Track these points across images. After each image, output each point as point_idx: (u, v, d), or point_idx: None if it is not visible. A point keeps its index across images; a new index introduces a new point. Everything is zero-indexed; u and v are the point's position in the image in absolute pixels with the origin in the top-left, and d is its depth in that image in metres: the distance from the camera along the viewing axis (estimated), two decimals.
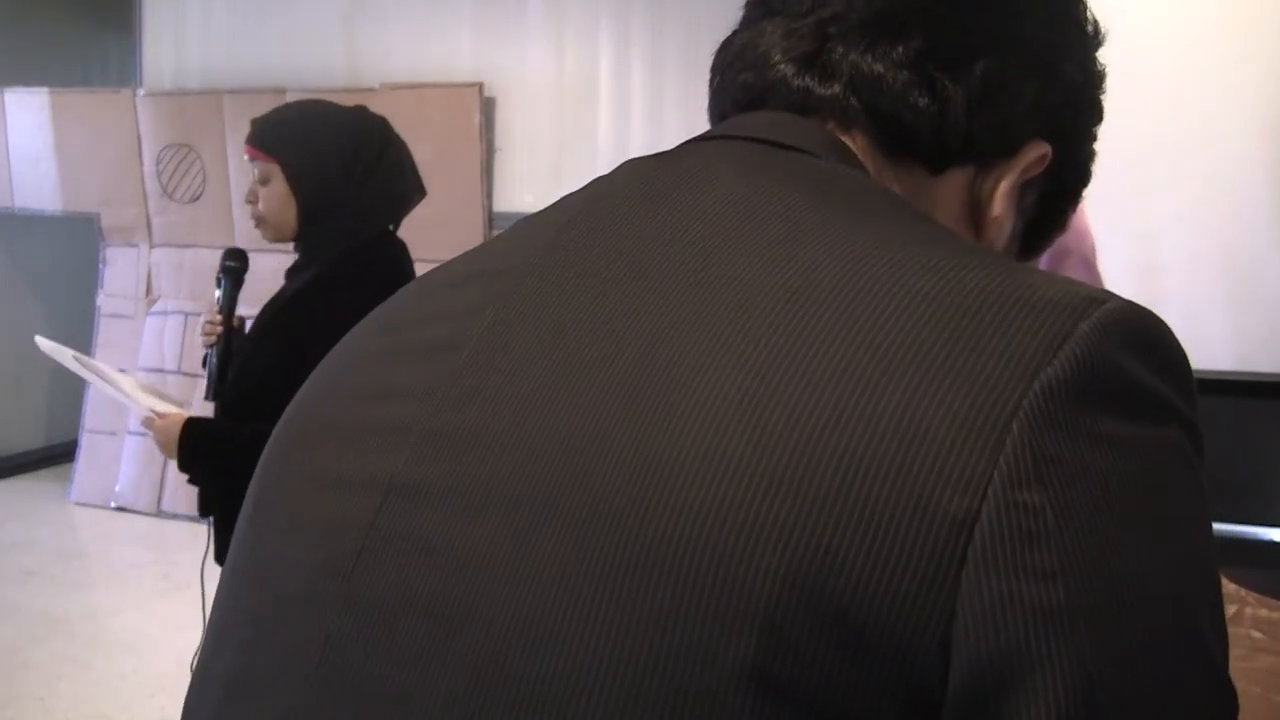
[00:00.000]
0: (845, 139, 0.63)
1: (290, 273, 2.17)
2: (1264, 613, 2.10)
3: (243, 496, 0.63)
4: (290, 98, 3.23)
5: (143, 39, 5.66)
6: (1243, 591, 2.18)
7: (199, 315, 5.23)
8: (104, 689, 3.56)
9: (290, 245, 2.15)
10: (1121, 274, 2.78)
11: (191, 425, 2.04)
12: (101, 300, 5.62)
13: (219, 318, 2.20)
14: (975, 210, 0.67)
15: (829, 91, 0.63)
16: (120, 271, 5.61)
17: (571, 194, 0.63)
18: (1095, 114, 0.77)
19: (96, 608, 4.25)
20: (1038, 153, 0.68)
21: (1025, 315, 0.46)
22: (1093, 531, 0.43)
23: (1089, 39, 0.75)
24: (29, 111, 5.69)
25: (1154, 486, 0.46)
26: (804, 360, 0.46)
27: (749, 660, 0.42)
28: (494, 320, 0.55)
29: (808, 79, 0.64)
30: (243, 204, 4.17)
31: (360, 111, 2.19)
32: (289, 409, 0.65)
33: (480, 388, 0.52)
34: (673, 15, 4.19)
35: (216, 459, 2.04)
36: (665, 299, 0.50)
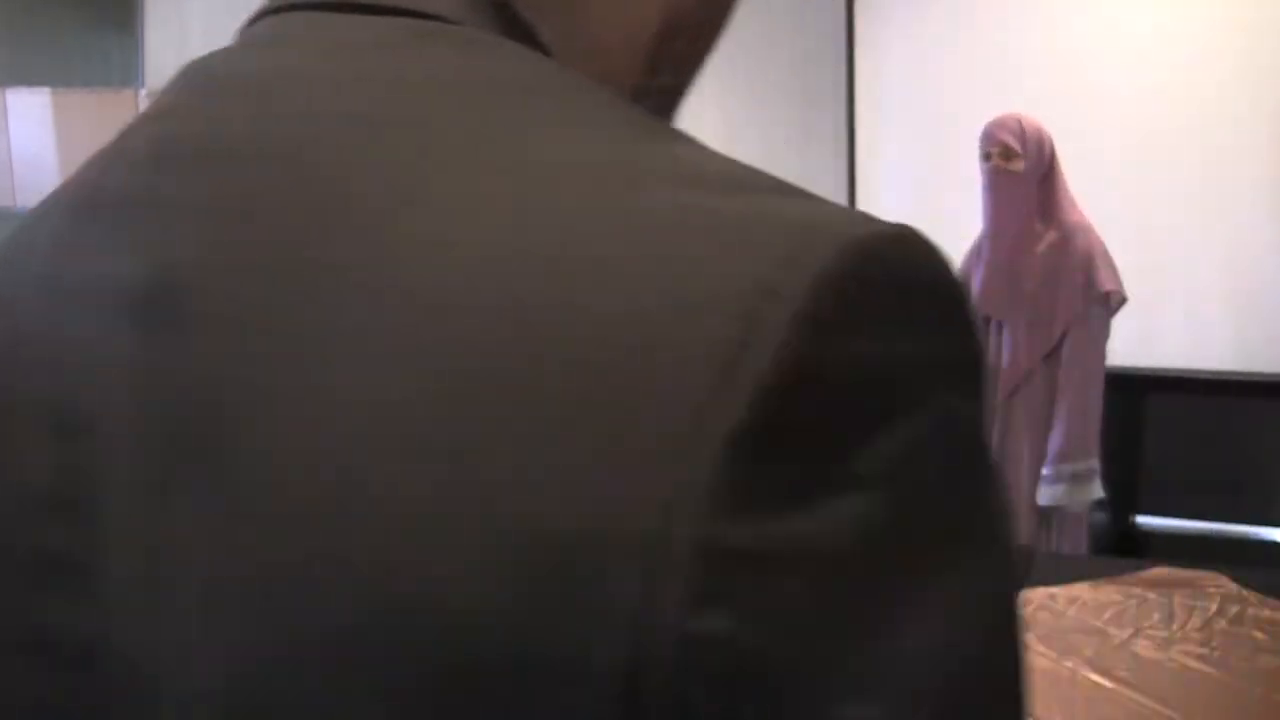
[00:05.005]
0: None
1: None
2: (1266, 613, 2.10)
3: None
4: None
5: (145, 39, 5.66)
6: (1244, 592, 2.18)
7: None
8: None
9: None
10: (1123, 274, 2.79)
11: None
12: None
13: None
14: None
15: None
16: None
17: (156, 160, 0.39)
18: None
19: None
20: None
21: (679, 323, 0.30)
22: (828, 635, 0.30)
23: None
24: (31, 111, 5.70)
25: (923, 513, 0.31)
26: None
27: None
28: (97, 462, 0.35)
29: None
30: None
31: None
32: None
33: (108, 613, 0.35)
34: None
35: None
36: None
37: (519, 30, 0.39)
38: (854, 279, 0.31)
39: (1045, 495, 2.79)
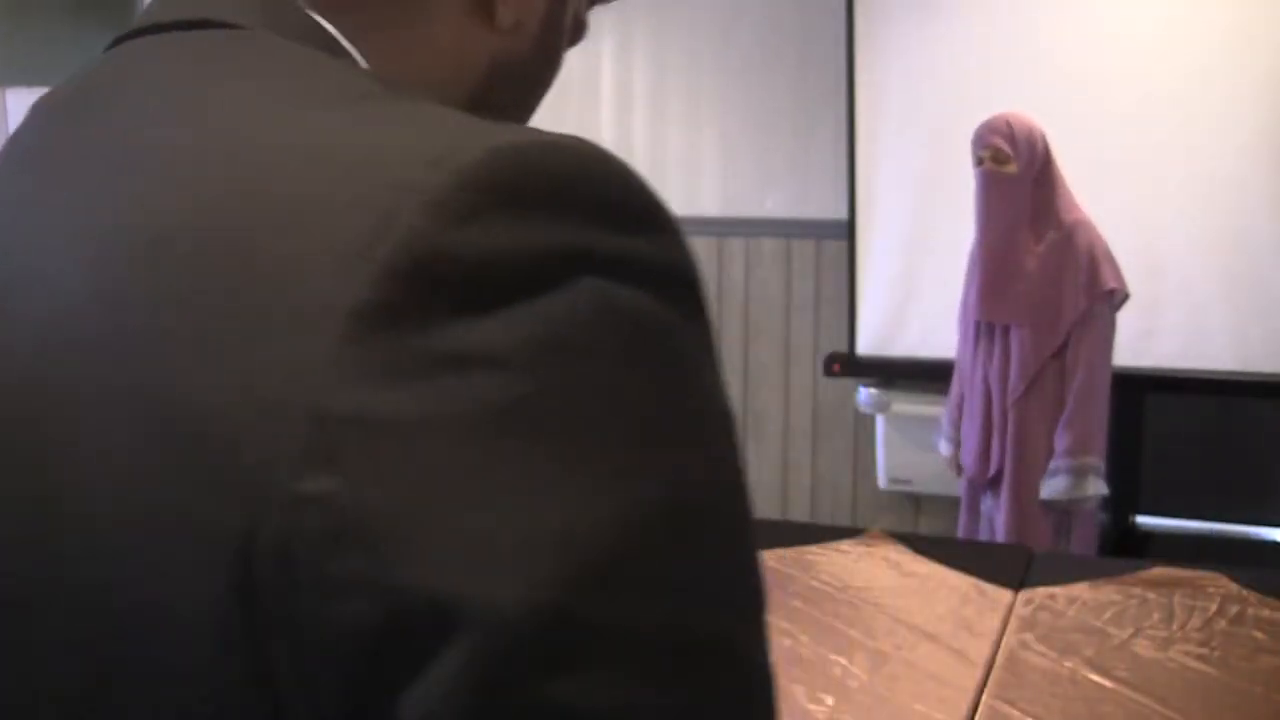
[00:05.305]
0: None
1: None
2: (1266, 613, 2.10)
3: None
4: None
5: None
6: (1244, 592, 2.18)
7: None
8: None
9: None
10: (1122, 270, 2.79)
11: None
12: None
13: None
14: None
15: None
16: None
17: None
18: None
19: None
20: None
21: (325, 223, 0.33)
22: (433, 500, 0.31)
23: None
24: None
25: (549, 391, 0.32)
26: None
27: None
28: None
29: None
30: None
31: None
32: None
33: None
34: (675, 16, 4.20)
35: None
36: None
37: (328, 45, 0.45)
38: (496, 177, 0.33)
39: (1046, 489, 2.78)
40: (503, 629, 0.30)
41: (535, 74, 0.55)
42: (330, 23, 0.45)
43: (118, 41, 0.47)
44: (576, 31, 0.57)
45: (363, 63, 0.46)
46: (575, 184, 0.35)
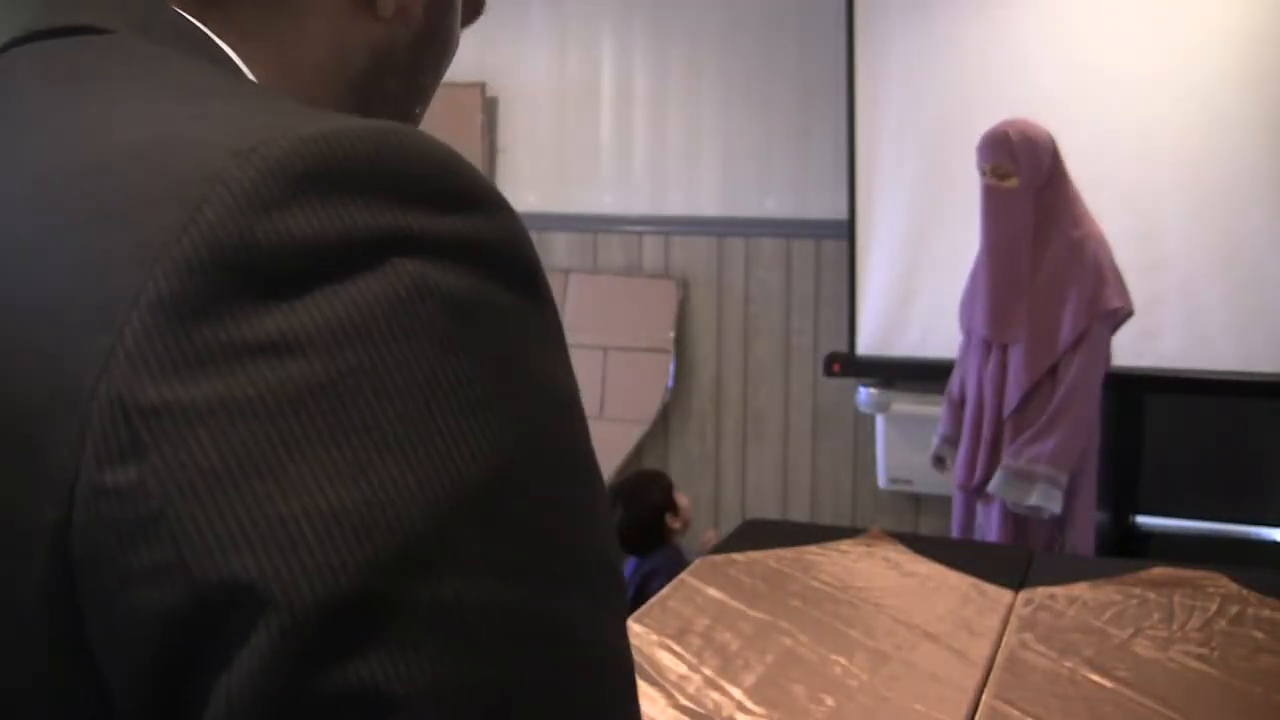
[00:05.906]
0: None
1: None
2: (1266, 613, 2.10)
3: None
4: None
5: None
6: (1244, 592, 2.18)
7: None
8: None
9: None
10: (1123, 273, 2.79)
11: None
12: None
13: None
14: None
15: None
16: None
17: None
18: None
19: None
20: None
21: (137, 216, 0.34)
22: (228, 488, 0.31)
23: None
24: None
25: (351, 374, 0.33)
26: None
27: None
28: None
29: None
30: None
31: None
32: None
33: None
34: (675, 16, 4.20)
35: None
36: None
37: (203, 45, 0.45)
38: (304, 165, 0.34)
39: (991, 481, 2.75)
40: (304, 614, 0.30)
41: (423, 59, 0.54)
42: (206, 23, 0.46)
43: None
44: (474, 10, 0.56)
45: (238, 59, 0.46)
46: (386, 168, 0.35)
